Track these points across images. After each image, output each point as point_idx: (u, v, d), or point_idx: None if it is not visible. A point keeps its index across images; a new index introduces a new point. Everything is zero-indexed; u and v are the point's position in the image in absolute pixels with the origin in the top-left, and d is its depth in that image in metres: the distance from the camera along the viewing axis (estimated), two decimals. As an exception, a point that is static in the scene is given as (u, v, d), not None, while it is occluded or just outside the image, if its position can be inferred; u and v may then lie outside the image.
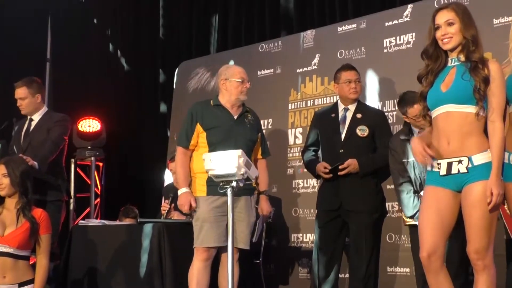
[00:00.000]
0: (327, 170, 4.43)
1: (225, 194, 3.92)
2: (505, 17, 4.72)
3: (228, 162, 3.32)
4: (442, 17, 3.05)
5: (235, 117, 4.29)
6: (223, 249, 4.11)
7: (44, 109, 5.23)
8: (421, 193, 4.00)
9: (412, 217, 4.07)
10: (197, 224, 4.13)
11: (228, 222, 3.39)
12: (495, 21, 4.76)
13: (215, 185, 3.94)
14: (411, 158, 4.05)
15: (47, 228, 4.03)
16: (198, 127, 4.22)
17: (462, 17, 3.02)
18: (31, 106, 5.15)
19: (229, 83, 4.30)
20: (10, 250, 3.91)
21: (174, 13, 8.55)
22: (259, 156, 4.45)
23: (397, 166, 4.16)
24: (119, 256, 4.81)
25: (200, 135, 4.23)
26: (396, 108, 5.16)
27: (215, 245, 4.11)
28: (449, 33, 3.03)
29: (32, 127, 5.14)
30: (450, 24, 3.03)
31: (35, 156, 4.73)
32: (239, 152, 3.33)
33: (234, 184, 3.36)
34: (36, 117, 5.17)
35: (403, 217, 4.25)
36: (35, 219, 3.96)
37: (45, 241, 4.01)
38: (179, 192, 4.20)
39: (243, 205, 4.17)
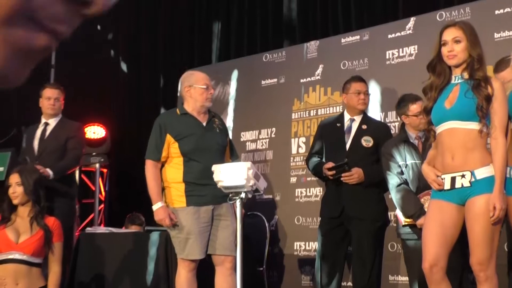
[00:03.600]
0: (330, 166, 4.44)
1: (204, 204, 4.05)
2: (506, 31, 4.82)
3: (237, 173, 3.41)
4: (450, 34, 3.15)
5: (204, 124, 4.23)
6: (217, 260, 4.11)
7: (60, 114, 5.27)
8: (420, 195, 4.09)
9: (412, 216, 4.08)
10: (181, 236, 4.05)
11: (237, 231, 3.43)
12: (496, 35, 4.85)
13: (194, 195, 4.05)
14: (409, 161, 4.14)
15: (59, 236, 4.10)
16: (169, 138, 4.13)
17: (469, 36, 3.12)
18: (59, 109, 5.18)
19: (194, 90, 4.21)
20: (25, 257, 3.97)
21: (175, 19, 8.63)
22: (228, 159, 4.41)
23: (395, 169, 4.23)
24: (126, 264, 4.87)
25: (171, 146, 4.13)
26: (399, 118, 5.25)
27: (201, 257, 4.07)
28: (455, 50, 3.12)
29: (47, 133, 5.12)
30: (457, 41, 3.13)
31: (53, 165, 4.76)
32: (248, 164, 3.42)
33: (243, 195, 3.45)
34: (52, 122, 5.17)
35: (400, 218, 4.28)
36: (48, 227, 4.04)
37: (58, 248, 4.08)
38: (155, 207, 4.08)
39: (226, 212, 4.11)
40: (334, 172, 4.45)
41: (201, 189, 4.03)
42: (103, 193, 8.04)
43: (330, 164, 4.48)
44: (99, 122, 7.92)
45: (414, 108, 4.18)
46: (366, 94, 4.67)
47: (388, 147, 4.30)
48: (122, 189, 8.21)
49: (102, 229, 5.40)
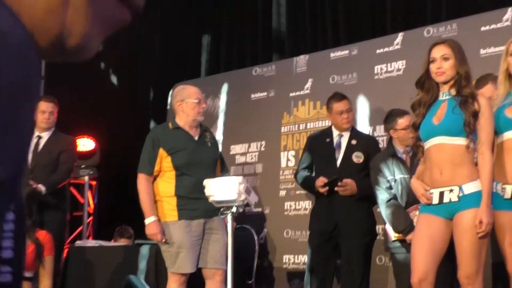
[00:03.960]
0: (323, 183, 4.48)
1: (196, 218, 4.08)
2: (492, 47, 4.89)
3: (229, 188, 3.45)
4: (439, 52, 3.21)
5: (196, 138, 4.25)
6: (208, 273, 4.13)
7: (53, 128, 5.27)
8: (408, 210, 4.15)
9: (402, 231, 4.14)
10: (172, 250, 4.06)
11: (228, 245, 3.45)
12: (482, 51, 4.93)
13: (186, 209, 4.08)
14: (398, 176, 4.20)
15: (50, 249, 4.11)
16: (162, 152, 4.14)
17: (457, 54, 3.19)
18: (53, 122, 5.19)
19: (186, 105, 4.22)
20: None
21: (166, 32, 8.67)
22: (219, 173, 4.41)
23: (384, 184, 4.29)
24: (116, 278, 4.86)
25: (164, 160, 4.14)
26: (387, 133, 5.31)
27: (192, 271, 4.09)
28: (444, 67, 3.18)
29: (40, 146, 5.13)
30: (445, 59, 3.19)
31: (45, 180, 4.77)
32: (239, 178, 3.46)
33: (234, 210, 3.48)
34: (45, 136, 5.18)
35: (390, 233, 4.34)
36: (40, 241, 4.05)
37: (49, 262, 4.09)
38: (147, 221, 4.08)
39: (217, 225, 4.13)
40: (327, 188, 4.49)
41: (193, 203, 4.06)
42: (92, 205, 8.03)
43: (323, 180, 4.50)
44: (88, 135, 7.92)
45: (402, 122, 4.24)
46: (349, 111, 4.69)
47: (376, 162, 4.35)
48: (111, 202, 8.20)
49: (91, 243, 5.40)
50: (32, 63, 0.48)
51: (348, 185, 4.46)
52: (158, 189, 4.18)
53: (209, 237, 4.16)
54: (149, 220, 4.08)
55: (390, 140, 4.46)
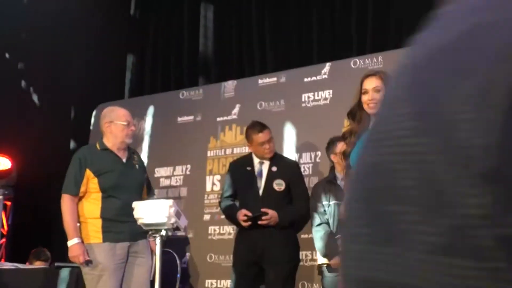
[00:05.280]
0: (245, 218, 4.53)
1: (121, 241, 4.03)
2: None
3: (159, 211, 3.41)
4: (371, 84, 3.30)
5: (124, 161, 4.22)
6: None
7: None
8: (339, 236, 4.23)
9: (325, 256, 4.27)
10: (94, 273, 3.99)
11: (155, 268, 3.41)
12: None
13: (111, 231, 4.02)
14: (332, 202, 4.32)
15: None
16: (88, 173, 4.08)
17: None
18: None
19: (114, 126, 4.19)
20: None
21: (89, 50, 8.53)
22: (145, 196, 4.38)
23: (317, 209, 4.38)
24: (34, 301, 4.71)
25: (90, 181, 4.08)
26: (313, 160, 5.41)
27: None
28: (375, 99, 3.27)
29: None
30: (377, 90, 3.28)
31: None
32: (170, 202, 3.42)
33: (163, 233, 3.44)
34: None
35: (318, 257, 4.44)
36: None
37: None
38: (70, 242, 3.99)
39: (142, 249, 4.10)
40: (250, 222, 4.51)
41: (119, 226, 4.00)
42: (6, 226, 7.74)
43: (245, 214, 4.50)
44: (4, 153, 7.67)
45: (341, 145, 4.34)
46: (270, 142, 4.65)
47: (317, 188, 4.47)
48: (27, 223, 7.93)
49: (7, 265, 5.18)
50: None
51: (271, 218, 4.49)
52: (83, 211, 4.10)
53: (134, 260, 4.11)
54: (72, 242, 3.99)
55: (332, 167, 4.56)
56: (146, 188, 4.42)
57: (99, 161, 4.13)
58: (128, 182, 4.13)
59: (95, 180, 4.08)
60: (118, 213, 4.00)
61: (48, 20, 8.59)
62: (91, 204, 4.10)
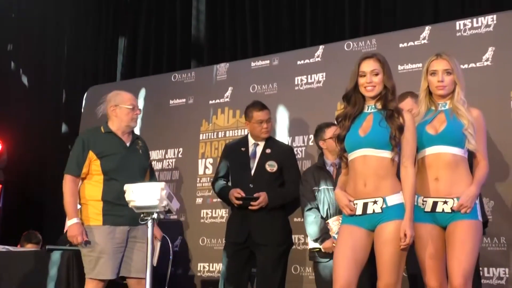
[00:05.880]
0: (239, 196, 4.55)
1: (121, 224, 4.05)
2: (409, 64, 5.05)
3: (150, 194, 3.37)
4: (368, 66, 3.26)
5: (128, 145, 4.28)
6: (132, 282, 4.12)
7: None
8: (329, 220, 4.24)
9: (316, 240, 4.29)
10: (93, 255, 4.02)
11: (146, 253, 3.40)
12: (400, 67, 5.07)
13: (111, 214, 4.05)
14: (322, 187, 4.32)
15: None
16: (91, 155, 4.14)
17: (386, 69, 3.25)
18: None
19: (119, 110, 4.26)
20: None
21: (80, 32, 8.46)
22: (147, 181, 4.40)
23: (307, 194, 4.38)
24: (24, 284, 4.68)
25: (93, 163, 4.15)
26: (305, 143, 5.39)
27: (112, 277, 4.06)
28: (374, 82, 3.24)
29: None
30: (375, 74, 3.24)
31: None
32: (162, 184, 3.39)
33: (155, 216, 3.41)
34: None
35: (309, 241, 4.44)
36: None
37: None
38: (70, 222, 4.05)
39: (142, 234, 4.07)
40: (241, 202, 4.54)
41: (119, 209, 3.99)
42: (-4, 209, 7.71)
43: (239, 193, 4.57)
44: (-5, 136, 7.62)
45: (330, 131, 4.35)
46: (269, 122, 4.77)
47: (306, 174, 4.49)
48: (18, 205, 7.90)
49: (-2, 248, 5.16)
50: None
51: (262, 201, 4.53)
52: (85, 192, 4.15)
53: (133, 245, 4.13)
54: (71, 221, 4.03)
55: (321, 154, 4.55)
56: (149, 174, 4.45)
57: (102, 143, 4.17)
58: (130, 166, 4.17)
59: (98, 162, 4.13)
60: (119, 197, 3.92)
61: (39, 1, 8.51)
62: (93, 187, 4.13)
